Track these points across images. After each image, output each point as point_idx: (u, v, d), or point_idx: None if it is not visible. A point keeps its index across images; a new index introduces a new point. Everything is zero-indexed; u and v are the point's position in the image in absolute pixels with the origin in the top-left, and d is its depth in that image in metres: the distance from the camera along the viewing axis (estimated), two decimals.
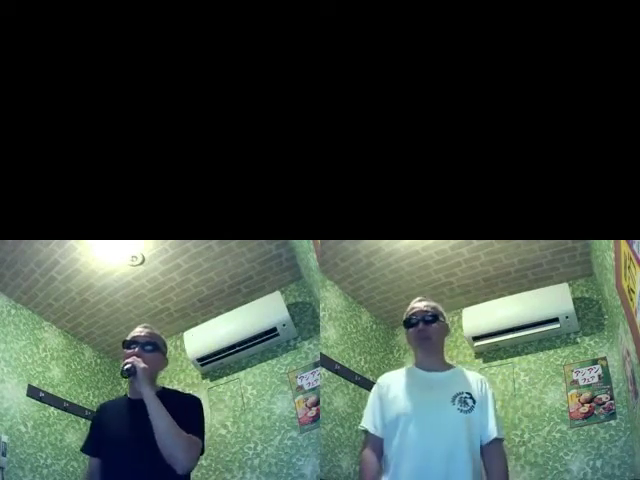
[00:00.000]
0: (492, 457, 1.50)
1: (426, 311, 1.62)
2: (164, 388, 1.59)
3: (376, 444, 1.58)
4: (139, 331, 1.58)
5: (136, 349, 1.53)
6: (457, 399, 1.52)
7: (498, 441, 1.52)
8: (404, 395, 1.57)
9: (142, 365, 1.47)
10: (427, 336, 1.59)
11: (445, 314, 1.68)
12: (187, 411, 1.51)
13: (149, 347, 1.55)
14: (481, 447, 1.51)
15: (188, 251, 2.61)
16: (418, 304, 1.65)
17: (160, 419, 1.40)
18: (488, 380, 1.64)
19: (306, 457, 2.58)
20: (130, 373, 1.46)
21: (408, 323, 1.63)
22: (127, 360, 1.49)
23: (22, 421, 2.60)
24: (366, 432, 1.60)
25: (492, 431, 1.50)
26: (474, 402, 1.52)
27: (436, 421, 1.50)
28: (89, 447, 1.58)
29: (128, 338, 1.57)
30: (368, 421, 1.61)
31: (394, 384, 1.62)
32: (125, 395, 1.59)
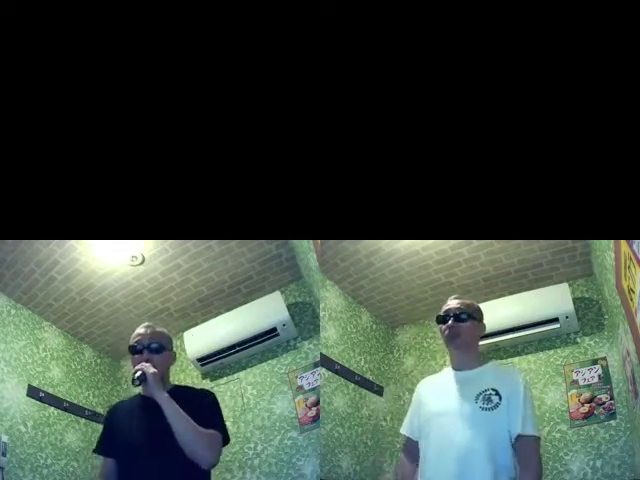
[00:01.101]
0: (520, 455, 1.45)
1: (458, 308, 1.60)
2: (176, 385, 1.58)
3: (411, 446, 1.62)
4: (142, 332, 1.55)
5: (143, 354, 1.50)
6: (481, 396, 1.50)
7: (527, 438, 1.45)
8: (435, 396, 1.59)
9: (152, 370, 1.45)
10: (456, 333, 1.57)
11: (481, 312, 1.65)
12: (204, 407, 1.49)
13: (155, 346, 1.52)
14: (512, 445, 1.46)
15: (188, 251, 2.61)
16: (452, 302, 1.64)
17: (177, 420, 1.39)
18: (524, 376, 1.60)
19: (306, 457, 2.58)
20: (141, 380, 1.45)
21: (439, 320, 1.62)
22: (136, 367, 1.47)
23: (22, 421, 2.60)
24: (405, 437, 1.66)
25: (517, 427, 1.45)
26: (500, 399, 1.48)
27: (456, 419, 1.49)
28: (103, 448, 1.55)
29: (132, 342, 1.54)
30: (405, 425, 1.67)
31: (429, 387, 1.65)
32: (138, 393, 1.57)
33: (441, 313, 1.62)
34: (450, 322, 1.58)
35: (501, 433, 1.46)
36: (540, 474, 1.44)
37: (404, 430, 1.66)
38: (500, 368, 1.61)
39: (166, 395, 1.43)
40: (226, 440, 1.49)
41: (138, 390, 1.56)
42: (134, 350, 1.53)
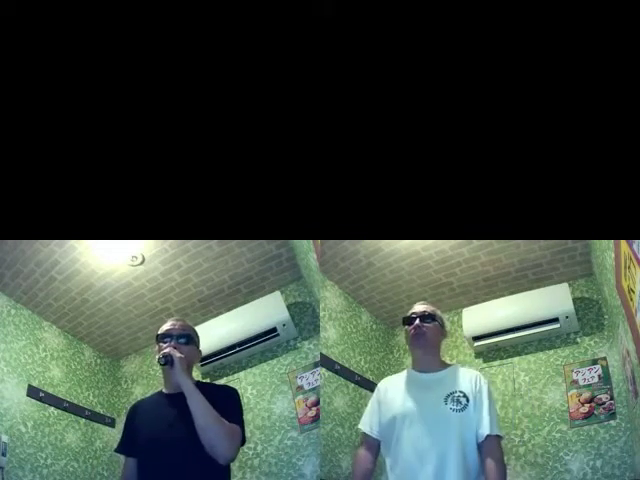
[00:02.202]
0: (485, 454, 1.50)
1: (424, 311, 1.67)
2: (199, 381, 1.55)
3: (371, 444, 1.65)
4: (172, 324, 1.55)
5: (171, 342, 1.50)
6: (450, 398, 1.54)
7: (492, 438, 1.51)
8: (399, 397, 1.62)
9: (179, 354, 1.45)
10: (422, 332, 1.63)
11: (444, 319, 1.72)
12: (226, 401, 1.48)
13: (183, 340, 1.52)
14: (478, 445, 1.51)
15: (188, 251, 2.61)
16: (418, 307, 1.70)
17: (200, 408, 1.37)
18: (486, 377, 1.65)
19: (306, 457, 2.58)
20: (167, 361, 1.44)
21: (406, 321, 1.67)
22: (164, 350, 1.46)
23: (22, 421, 2.60)
24: (364, 433, 1.67)
25: (485, 428, 1.51)
26: (468, 400, 1.54)
27: (428, 421, 1.53)
28: (124, 447, 1.54)
29: (161, 332, 1.54)
30: (365, 422, 1.69)
31: (392, 387, 1.67)
32: (160, 390, 1.56)
33: (408, 315, 1.68)
34: (417, 322, 1.64)
35: (470, 434, 1.51)
36: (505, 471, 1.51)
37: (364, 427, 1.68)
38: (463, 370, 1.65)
39: (191, 382, 1.42)
40: (243, 440, 1.47)
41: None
42: (161, 338, 1.52)
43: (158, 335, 1.54)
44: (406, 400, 1.59)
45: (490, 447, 1.50)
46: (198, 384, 1.49)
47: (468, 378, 1.61)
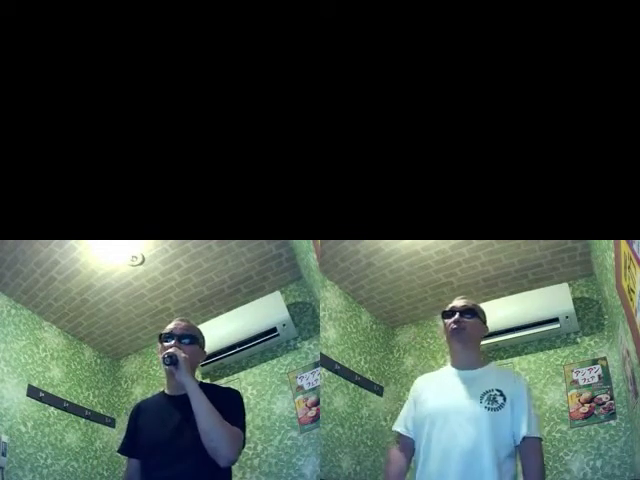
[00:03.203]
0: (525, 456, 1.46)
1: (464, 305, 1.62)
2: (202, 383, 1.54)
3: (405, 444, 1.60)
4: (176, 324, 1.54)
5: (173, 341, 1.49)
6: (486, 397, 1.50)
7: (531, 440, 1.47)
8: (434, 395, 1.57)
9: (183, 355, 1.44)
10: (462, 327, 1.58)
11: (485, 315, 1.67)
12: (229, 403, 1.47)
13: (186, 340, 1.51)
14: (516, 446, 1.48)
15: (188, 251, 2.61)
16: (458, 301, 1.66)
17: (204, 410, 1.36)
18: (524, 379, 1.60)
19: (306, 457, 2.58)
20: (172, 362, 1.42)
21: (446, 314, 1.63)
22: (169, 350, 1.45)
23: (22, 421, 2.60)
24: (399, 433, 1.62)
25: (524, 429, 1.46)
26: (505, 400, 1.49)
27: (461, 420, 1.48)
28: (126, 448, 1.53)
29: (165, 331, 1.53)
30: (400, 422, 1.64)
31: (428, 385, 1.63)
32: (162, 391, 1.56)
33: (448, 309, 1.63)
34: (457, 316, 1.59)
35: (505, 434, 1.46)
36: (544, 474, 1.47)
37: (399, 427, 1.63)
38: (501, 369, 1.62)
39: (195, 383, 1.41)
40: (243, 443, 1.47)
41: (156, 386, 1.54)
42: (164, 337, 1.51)
43: (161, 334, 1.52)
44: (441, 398, 1.55)
45: (530, 449, 1.46)
46: (202, 385, 1.48)
47: (507, 377, 1.58)
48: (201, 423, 1.36)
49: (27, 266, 2.57)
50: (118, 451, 1.57)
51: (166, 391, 1.54)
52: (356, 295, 3.01)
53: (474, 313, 1.61)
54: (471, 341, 1.60)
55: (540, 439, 1.50)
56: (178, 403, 1.44)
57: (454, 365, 1.62)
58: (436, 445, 1.48)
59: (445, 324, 1.63)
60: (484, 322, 1.65)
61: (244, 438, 1.46)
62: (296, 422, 2.67)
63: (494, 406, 1.48)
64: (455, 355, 1.62)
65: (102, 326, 3.03)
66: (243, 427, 1.46)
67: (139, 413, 1.56)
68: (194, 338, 1.54)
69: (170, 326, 1.54)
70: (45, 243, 2.46)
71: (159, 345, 1.52)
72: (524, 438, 1.46)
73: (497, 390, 1.51)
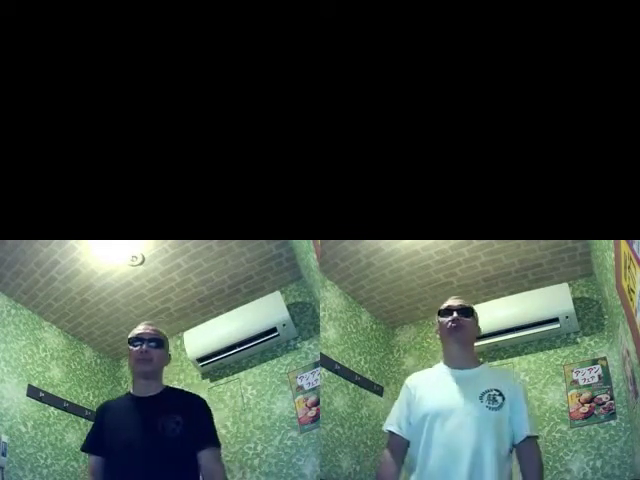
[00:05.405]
0: (526, 456, 1.47)
1: (461, 305, 1.62)
2: (168, 387, 1.59)
3: (399, 445, 1.57)
4: (143, 328, 1.60)
5: (142, 345, 1.54)
6: (486, 396, 1.49)
7: (532, 439, 1.48)
8: (431, 394, 1.56)
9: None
10: (460, 325, 1.58)
11: (478, 317, 1.68)
12: (195, 411, 1.52)
13: (153, 343, 1.56)
14: (514, 445, 1.48)
15: (188, 251, 2.61)
16: (454, 300, 1.66)
17: None
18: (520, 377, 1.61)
19: (306, 457, 2.58)
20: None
21: (443, 313, 1.62)
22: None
23: (22, 421, 2.60)
24: (391, 433, 1.59)
25: (525, 429, 1.47)
26: (504, 399, 1.49)
27: (463, 419, 1.47)
28: (90, 445, 1.57)
29: (133, 335, 1.58)
30: (393, 422, 1.60)
31: (422, 384, 1.61)
32: (128, 393, 1.59)
33: (445, 307, 1.63)
34: (455, 315, 1.59)
35: (504, 433, 1.47)
36: (543, 473, 1.48)
37: (392, 427, 1.59)
38: (496, 369, 1.62)
39: None
40: (219, 445, 1.53)
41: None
42: (132, 341, 1.56)
43: (130, 338, 1.58)
44: (439, 397, 1.54)
45: (529, 448, 1.47)
46: (168, 390, 1.55)
47: (503, 377, 1.58)
48: None
49: (27, 266, 2.57)
50: (82, 448, 1.60)
51: (132, 392, 1.57)
52: (356, 295, 3.01)
53: (470, 313, 1.62)
54: (468, 340, 1.61)
55: (537, 437, 1.52)
56: (144, 405, 1.47)
57: (449, 364, 1.60)
58: (437, 444, 1.47)
59: (441, 323, 1.62)
60: (477, 323, 1.66)
61: (218, 443, 1.53)
62: (296, 422, 2.67)
63: (494, 406, 1.48)
64: (451, 354, 1.61)
65: (102, 326, 3.03)
66: (215, 437, 1.53)
67: (105, 412, 1.59)
68: (160, 342, 1.59)
69: (138, 330, 1.59)
70: (45, 243, 2.46)
71: (129, 348, 1.57)
72: (526, 437, 1.47)
73: (496, 390, 1.51)
